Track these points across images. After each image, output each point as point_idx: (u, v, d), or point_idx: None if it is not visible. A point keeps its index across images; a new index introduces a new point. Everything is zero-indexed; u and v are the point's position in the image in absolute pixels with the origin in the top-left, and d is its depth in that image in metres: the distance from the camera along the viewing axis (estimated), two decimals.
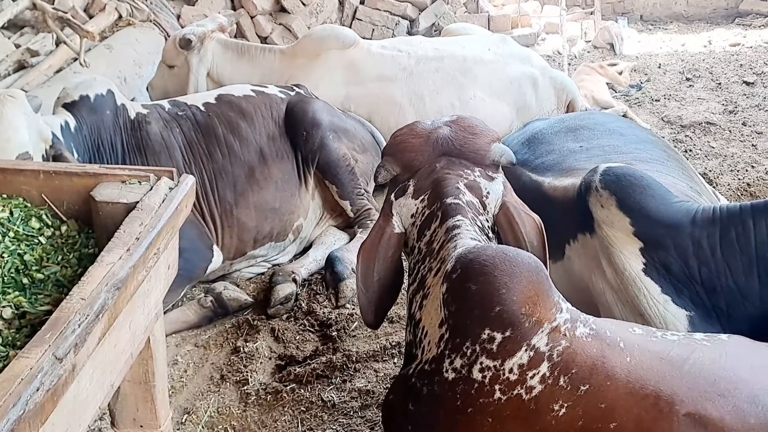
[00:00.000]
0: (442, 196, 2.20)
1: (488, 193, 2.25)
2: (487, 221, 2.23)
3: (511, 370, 1.82)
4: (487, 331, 1.84)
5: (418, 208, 2.25)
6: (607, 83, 5.66)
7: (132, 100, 4.55)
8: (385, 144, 4.16)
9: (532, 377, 1.81)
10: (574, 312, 1.91)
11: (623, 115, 4.78)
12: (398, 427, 2.07)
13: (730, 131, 5.12)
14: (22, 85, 4.76)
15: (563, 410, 1.79)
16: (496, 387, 1.83)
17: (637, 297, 2.32)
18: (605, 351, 1.83)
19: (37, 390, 1.34)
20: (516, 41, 5.08)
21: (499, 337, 1.83)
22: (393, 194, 2.32)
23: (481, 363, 1.85)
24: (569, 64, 6.29)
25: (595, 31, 7.36)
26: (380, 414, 2.87)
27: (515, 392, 1.82)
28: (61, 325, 1.47)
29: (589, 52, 6.92)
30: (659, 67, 6.33)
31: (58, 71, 5.03)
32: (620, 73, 5.84)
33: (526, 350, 1.82)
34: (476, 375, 1.85)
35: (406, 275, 2.40)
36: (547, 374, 1.81)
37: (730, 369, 1.83)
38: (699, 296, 2.27)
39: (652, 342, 1.90)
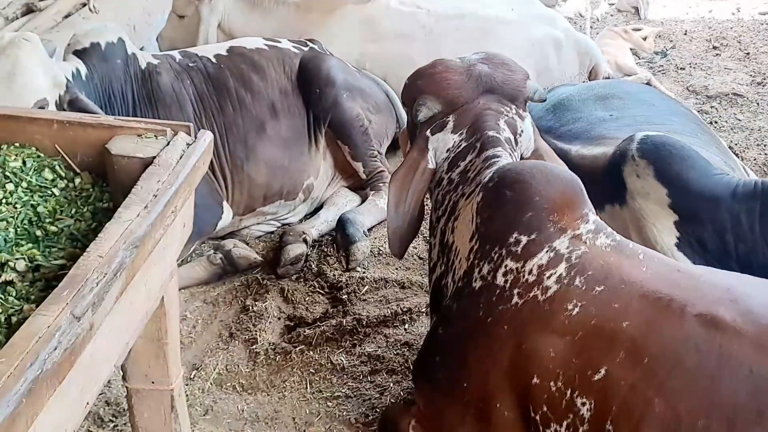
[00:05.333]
0: (482, 129, 2.26)
1: (522, 131, 2.33)
2: (519, 159, 2.32)
3: (530, 271, 1.92)
4: (514, 235, 1.96)
5: (455, 141, 2.29)
6: (631, 49, 5.53)
7: (141, 49, 4.45)
8: (395, 101, 4.17)
9: (548, 277, 1.90)
10: (601, 224, 1.99)
11: (647, 83, 4.67)
12: (425, 360, 2.18)
13: (757, 104, 4.99)
14: (30, 29, 4.62)
15: (577, 309, 1.85)
16: (515, 291, 1.93)
17: None
18: (623, 260, 1.90)
19: (55, 349, 1.30)
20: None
21: (524, 239, 1.95)
22: (429, 130, 2.32)
23: (505, 266, 1.96)
24: (591, 27, 6.15)
25: None
26: (390, 378, 2.86)
27: (531, 294, 1.91)
28: (79, 283, 1.42)
29: (612, 15, 6.76)
30: (685, 34, 6.19)
31: (66, 16, 4.91)
32: (645, 39, 5.69)
33: (547, 251, 1.93)
34: (499, 280, 1.96)
35: (429, 210, 2.46)
36: (564, 274, 1.89)
37: (745, 283, 1.88)
38: None
39: (672, 259, 1.98)
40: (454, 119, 2.30)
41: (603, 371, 1.77)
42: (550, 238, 1.94)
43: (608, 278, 1.86)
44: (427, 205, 2.52)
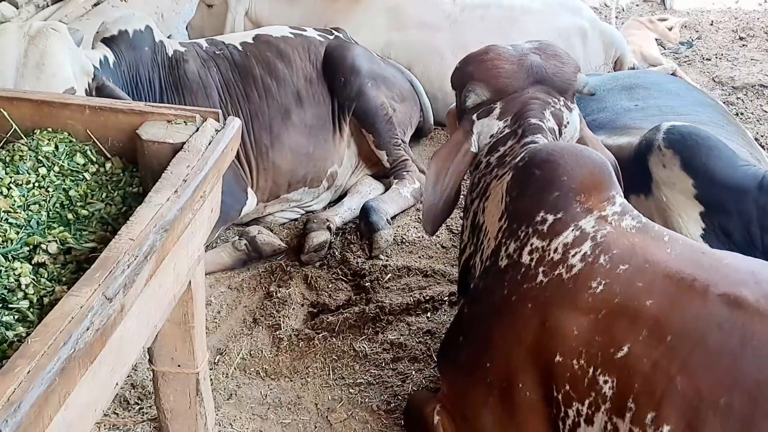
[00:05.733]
0: (526, 117, 2.29)
1: (567, 123, 2.34)
2: None
3: (555, 250, 1.94)
4: (541, 214, 1.99)
5: (499, 127, 2.32)
6: (657, 39, 5.47)
7: (169, 37, 4.48)
8: (419, 89, 4.17)
9: (573, 255, 1.92)
10: (628, 207, 2.01)
11: (672, 73, 4.63)
12: (449, 342, 2.21)
13: None
14: (61, 17, 4.70)
15: (601, 287, 1.86)
16: (540, 269, 1.95)
17: None
18: (648, 241, 1.91)
19: (87, 329, 1.33)
20: None
21: (550, 218, 1.98)
22: (476, 114, 2.35)
23: (531, 244, 1.98)
24: (617, 17, 6.09)
25: None
26: (412, 366, 2.88)
27: (556, 272, 1.92)
28: (111, 265, 1.45)
29: (637, 5, 6.69)
30: (711, 24, 6.12)
31: (96, 4, 4.95)
32: (670, 29, 5.63)
33: (572, 230, 1.95)
34: (525, 258, 1.99)
35: (465, 193, 2.50)
36: (588, 252, 1.90)
37: None
38: None
39: (697, 242, 1.99)
40: (501, 106, 2.32)
41: (626, 349, 1.78)
42: (576, 217, 1.96)
43: (633, 258, 1.87)
44: (463, 187, 2.55)
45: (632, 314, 1.80)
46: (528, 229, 2.01)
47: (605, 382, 1.79)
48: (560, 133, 2.32)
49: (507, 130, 2.32)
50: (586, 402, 1.82)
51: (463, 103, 2.37)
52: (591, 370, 1.82)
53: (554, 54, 2.39)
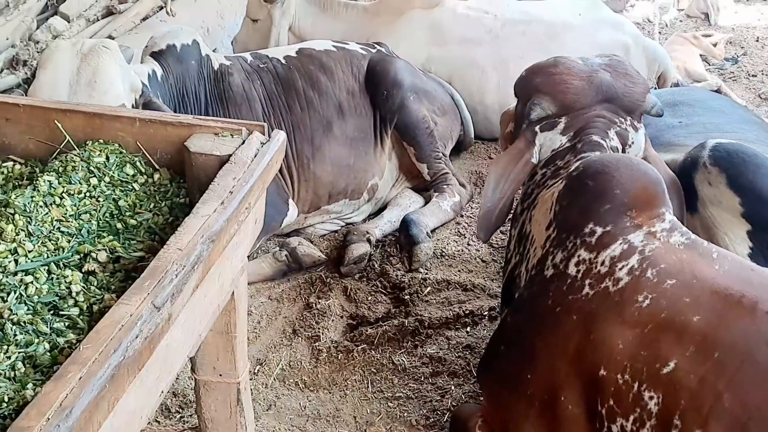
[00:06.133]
0: (588, 133, 2.28)
1: (632, 143, 2.33)
2: None
3: (603, 263, 1.93)
4: (590, 225, 1.98)
5: (561, 142, 2.32)
6: (701, 55, 5.42)
7: (214, 50, 4.56)
8: (460, 103, 4.18)
9: (621, 269, 1.90)
10: (677, 224, 1.99)
11: (717, 90, 4.58)
12: (491, 353, 2.20)
13: None
14: (110, 31, 4.82)
15: (647, 301, 1.84)
16: (587, 281, 1.93)
17: None
18: (696, 257, 1.89)
19: (137, 337, 1.36)
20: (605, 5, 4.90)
21: (599, 231, 1.97)
22: (539, 126, 2.34)
23: (578, 256, 1.97)
24: (660, 32, 6.04)
25: (689, 0, 7.05)
26: (452, 381, 2.87)
27: (602, 285, 1.91)
28: (160, 274, 1.48)
29: (681, 21, 6.62)
30: (757, 41, 6.03)
31: (144, 19, 5.07)
32: (715, 45, 5.57)
33: (621, 243, 1.93)
34: (571, 269, 1.97)
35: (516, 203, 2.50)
36: (636, 266, 1.88)
37: None
38: None
39: (747, 260, 1.98)
40: (565, 122, 2.31)
41: (672, 364, 1.76)
42: (625, 231, 1.95)
43: (680, 273, 1.85)
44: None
45: (679, 329, 1.78)
46: (576, 240, 2.00)
47: (651, 397, 1.77)
48: (623, 152, 2.30)
49: (568, 144, 2.31)
50: (631, 418, 1.80)
51: (528, 115, 2.34)
52: (636, 385, 1.80)
53: (625, 72, 2.36)
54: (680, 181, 2.37)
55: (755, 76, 5.40)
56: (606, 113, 2.29)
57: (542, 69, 2.39)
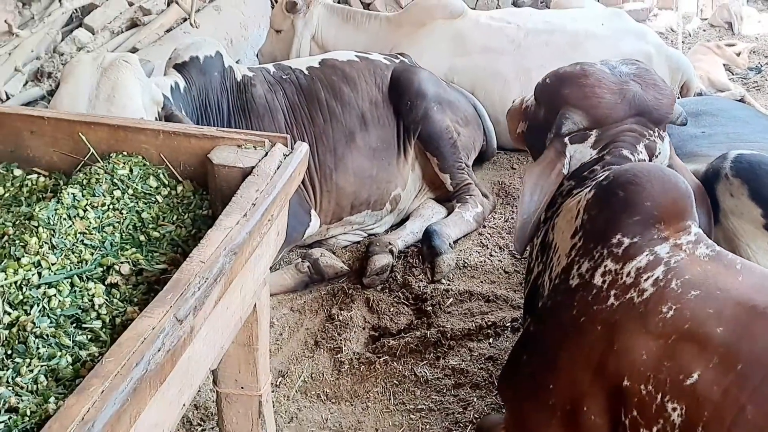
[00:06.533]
0: (618, 147, 2.26)
1: (659, 153, 2.32)
2: None
3: (628, 274, 1.92)
4: (618, 236, 1.97)
5: (591, 155, 2.30)
6: (724, 64, 5.37)
7: (237, 62, 4.58)
8: (483, 114, 4.17)
9: (646, 279, 1.90)
10: (702, 236, 1.98)
11: (740, 99, 4.54)
12: (512, 363, 2.19)
13: None
14: (134, 42, 4.87)
15: (671, 312, 1.83)
16: (612, 292, 1.93)
17: None
18: (720, 268, 1.88)
19: (159, 350, 1.36)
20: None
21: (627, 241, 1.96)
22: (569, 138, 2.31)
23: (605, 266, 1.97)
24: (683, 42, 6.00)
25: (713, 9, 7.00)
26: (474, 393, 2.85)
27: (627, 296, 1.90)
28: (182, 287, 1.48)
29: (704, 30, 6.59)
30: None
31: (168, 30, 5.11)
32: (738, 55, 5.52)
33: (647, 255, 1.92)
34: (597, 279, 1.97)
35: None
36: (661, 277, 1.88)
37: None
38: None
39: None
40: (596, 135, 2.29)
41: (696, 376, 1.75)
42: (652, 243, 1.94)
43: (704, 284, 1.84)
44: None
45: (702, 340, 1.77)
46: (603, 250, 1.99)
47: (674, 409, 1.76)
48: (650, 162, 2.29)
49: (596, 156, 2.30)
50: (654, 429, 1.79)
51: (558, 128, 2.30)
52: (659, 396, 1.79)
53: (653, 83, 2.32)
54: None
55: None
56: (636, 126, 2.27)
57: (572, 79, 2.33)
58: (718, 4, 7.00)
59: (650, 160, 2.29)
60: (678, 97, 4.37)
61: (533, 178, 2.30)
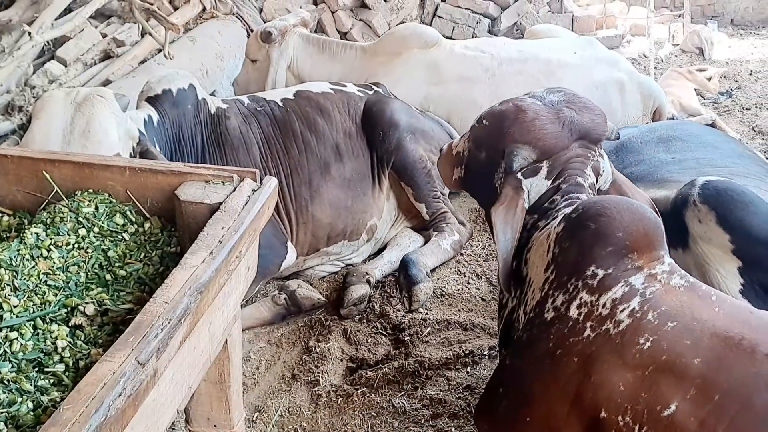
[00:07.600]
0: (570, 175, 2.29)
1: (603, 170, 2.36)
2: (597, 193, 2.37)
3: (604, 305, 1.92)
4: (592, 268, 1.97)
5: (547, 186, 2.31)
6: (696, 89, 5.44)
7: (212, 93, 4.57)
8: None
9: (622, 311, 1.90)
10: (675, 267, 2.00)
11: (711, 124, 4.59)
12: (488, 396, 2.19)
13: None
14: (108, 74, 4.84)
15: (648, 343, 1.84)
16: (588, 324, 1.93)
17: None
18: (695, 299, 1.89)
19: (120, 395, 1.34)
20: (600, 42, 4.93)
21: (601, 273, 1.96)
22: (521, 173, 2.32)
23: (580, 298, 1.97)
24: (655, 68, 6.07)
25: (684, 35, 7.10)
26: (452, 423, 2.83)
27: (604, 327, 1.90)
28: (144, 329, 1.46)
29: (676, 56, 6.68)
30: (750, 74, 6.07)
31: (142, 62, 5.09)
32: (709, 80, 5.60)
33: (622, 286, 1.93)
34: (573, 312, 1.97)
35: None
36: (637, 308, 1.89)
37: None
38: None
39: (745, 302, 1.99)
40: (548, 166, 2.30)
41: (673, 407, 1.75)
42: (627, 274, 1.95)
43: (680, 315, 1.85)
44: None
45: (680, 372, 1.77)
46: (578, 282, 1.99)
47: None
48: (597, 182, 2.32)
49: (551, 186, 2.31)
50: None
51: (509, 166, 2.31)
52: (637, 428, 1.79)
53: (584, 106, 2.35)
54: (672, 218, 2.37)
55: (749, 109, 5.42)
56: (580, 150, 2.30)
57: (509, 116, 2.33)
58: (689, 30, 7.11)
59: (597, 180, 2.32)
60: (650, 122, 4.42)
61: (501, 218, 2.29)
